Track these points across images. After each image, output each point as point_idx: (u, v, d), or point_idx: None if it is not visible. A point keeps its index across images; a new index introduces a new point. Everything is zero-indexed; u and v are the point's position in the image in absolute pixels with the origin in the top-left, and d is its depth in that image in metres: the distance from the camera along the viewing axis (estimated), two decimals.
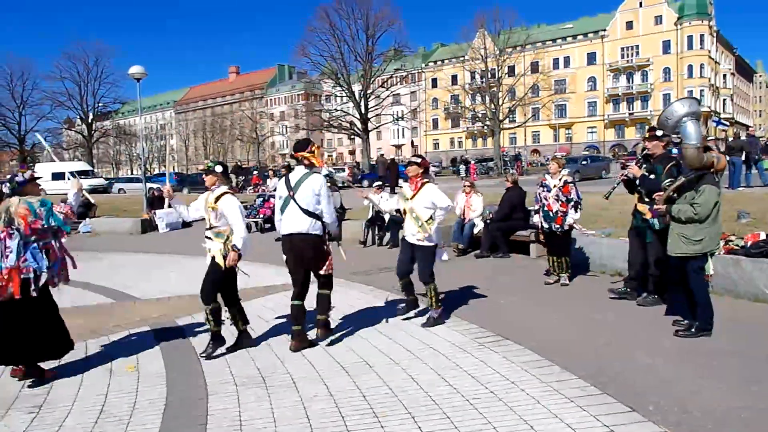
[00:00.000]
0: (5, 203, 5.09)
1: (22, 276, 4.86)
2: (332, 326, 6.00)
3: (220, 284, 5.59)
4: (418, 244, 6.24)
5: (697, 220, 5.36)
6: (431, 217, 6.15)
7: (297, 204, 5.52)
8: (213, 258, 5.54)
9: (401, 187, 13.00)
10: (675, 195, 5.58)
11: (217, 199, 5.52)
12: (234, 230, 5.47)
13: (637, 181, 6.70)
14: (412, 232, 6.28)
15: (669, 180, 6.03)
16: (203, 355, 5.50)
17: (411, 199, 6.29)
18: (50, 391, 4.87)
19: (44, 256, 5.01)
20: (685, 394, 4.20)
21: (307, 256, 5.60)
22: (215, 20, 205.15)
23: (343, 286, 7.91)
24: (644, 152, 6.86)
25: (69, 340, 5.31)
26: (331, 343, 5.77)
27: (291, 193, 5.57)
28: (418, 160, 6.39)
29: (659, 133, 6.60)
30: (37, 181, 5.39)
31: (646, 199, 6.63)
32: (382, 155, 49.44)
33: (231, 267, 5.51)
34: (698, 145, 5.42)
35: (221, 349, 5.61)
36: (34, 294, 4.91)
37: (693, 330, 5.48)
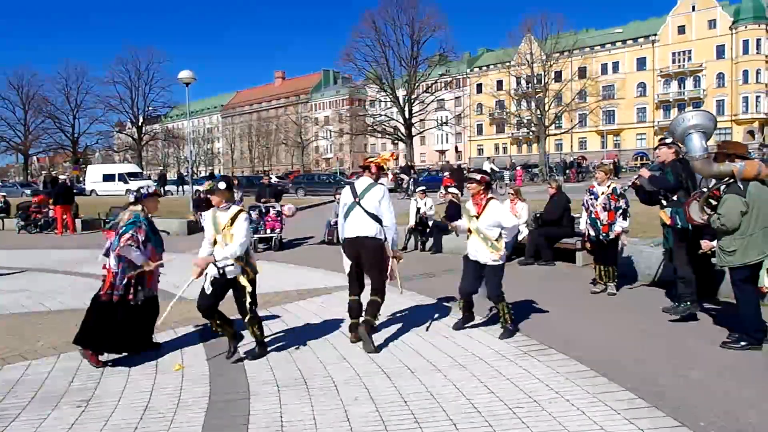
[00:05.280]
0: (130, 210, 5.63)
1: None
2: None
3: (243, 299, 5.39)
4: (489, 264, 5.91)
5: (727, 231, 5.23)
6: (500, 235, 5.88)
7: (363, 209, 5.76)
8: (236, 280, 5.36)
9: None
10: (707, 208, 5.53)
11: (233, 220, 5.26)
12: (231, 245, 5.20)
13: (647, 184, 6.60)
14: (481, 253, 5.91)
15: (698, 191, 5.95)
16: (235, 356, 5.51)
17: (477, 218, 5.94)
18: (98, 386, 4.98)
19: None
20: (739, 410, 4.03)
21: (369, 258, 5.77)
22: (262, 26, 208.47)
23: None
24: (657, 160, 6.83)
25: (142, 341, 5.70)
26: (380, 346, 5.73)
27: (357, 199, 5.83)
28: (477, 177, 6.00)
29: (668, 140, 6.63)
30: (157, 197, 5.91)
31: (664, 202, 6.49)
32: (447, 162, 49.32)
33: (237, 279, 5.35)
34: (699, 157, 5.49)
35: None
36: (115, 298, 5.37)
37: (743, 343, 5.30)
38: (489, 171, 12.07)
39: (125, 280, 5.38)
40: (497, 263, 5.91)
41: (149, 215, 5.69)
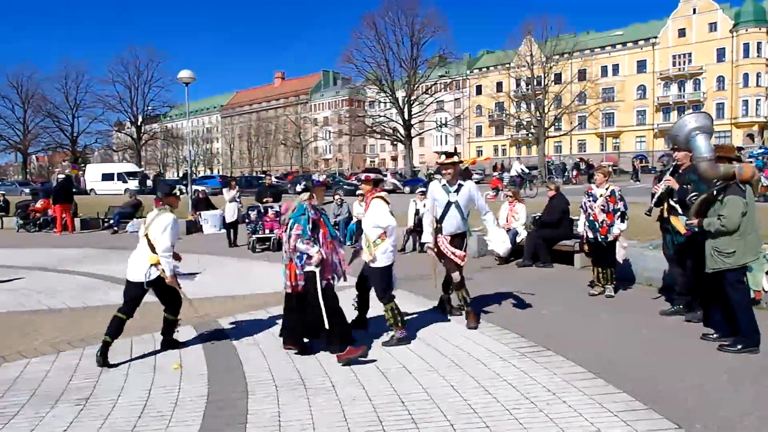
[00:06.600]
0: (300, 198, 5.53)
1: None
2: (369, 333, 6.12)
3: None
4: (369, 265, 5.82)
5: (726, 233, 5.25)
6: (381, 239, 5.70)
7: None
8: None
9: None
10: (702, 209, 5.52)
11: None
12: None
13: (674, 194, 6.55)
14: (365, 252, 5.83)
15: (694, 194, 5.93)
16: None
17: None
18: (96, 385, 4.98)
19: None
20: (736, 413, 4.05)
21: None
22: (263, 27, 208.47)
23: None
24: (674, 164, 6.71)
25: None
26: (370, 348, 5.76)
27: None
28: (363, 177, 5.99)
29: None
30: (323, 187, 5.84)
31: (680, 211, 6.46)
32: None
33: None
34: (708, 158, 5.43)
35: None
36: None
37: (739, 346, 5.32)
38: (520, 171, 12.00)
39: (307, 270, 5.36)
40: (373, 266, 5.76)
41: (316, 204, 5.53)
